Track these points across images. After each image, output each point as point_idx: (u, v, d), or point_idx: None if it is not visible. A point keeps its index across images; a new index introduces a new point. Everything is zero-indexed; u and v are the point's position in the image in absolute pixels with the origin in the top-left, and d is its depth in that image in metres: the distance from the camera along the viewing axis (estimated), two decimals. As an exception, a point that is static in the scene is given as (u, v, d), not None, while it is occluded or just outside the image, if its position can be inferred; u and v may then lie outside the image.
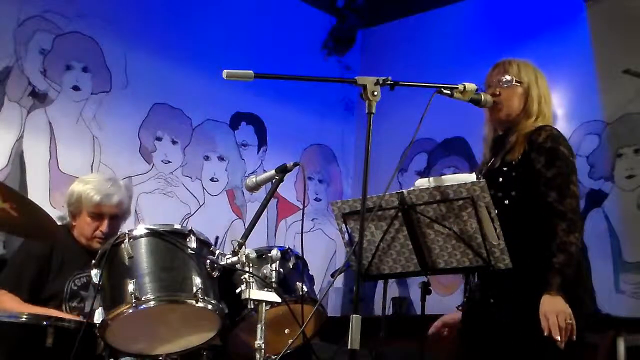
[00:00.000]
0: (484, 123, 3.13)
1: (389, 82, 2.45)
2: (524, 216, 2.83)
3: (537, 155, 2.85)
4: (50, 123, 4.86)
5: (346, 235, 2.73)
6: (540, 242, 2.76)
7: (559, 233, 2.72)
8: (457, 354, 3.08)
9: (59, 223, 3.64)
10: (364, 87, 2.41)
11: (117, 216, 3.67)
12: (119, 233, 3.00)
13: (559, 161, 2.83)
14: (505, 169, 2.88)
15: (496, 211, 2.61)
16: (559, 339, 2.63)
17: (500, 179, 2.87)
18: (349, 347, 2.20)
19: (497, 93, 2.98)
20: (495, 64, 3.07)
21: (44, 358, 2.94)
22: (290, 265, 3.10)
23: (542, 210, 2.79)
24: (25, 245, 3.66)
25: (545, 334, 2.65)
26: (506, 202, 2.84)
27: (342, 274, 5.42)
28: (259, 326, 2.77)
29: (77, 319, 3.20)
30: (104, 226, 3.60)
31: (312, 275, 3.30)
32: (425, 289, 3.01)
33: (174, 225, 2.91)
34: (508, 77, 3.00)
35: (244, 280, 2.79)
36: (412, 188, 2.60)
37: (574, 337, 2.67)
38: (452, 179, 2.59)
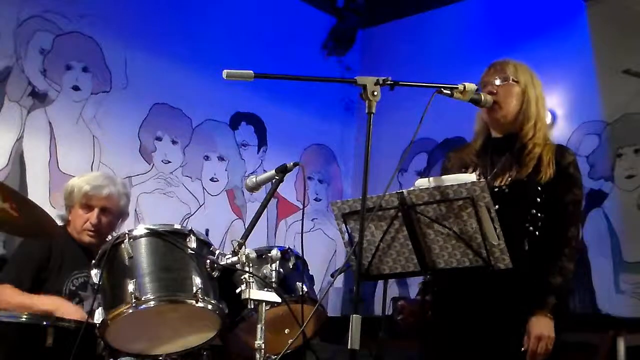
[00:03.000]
0: (476, 119, 3.13)
1: (389, 82, 2.45)
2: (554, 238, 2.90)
3: (559, 179, 2.91)
4: (50, 123, 4.86)
5: (346, 235, 2.73)
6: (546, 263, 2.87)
7: (562, 258, 2.84)
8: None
9: (59, 223, 3.64)
10: (364, 87, 2.40)
11: (107, 209, 3.65)
12: (119, 233, 3.00)
13: (576, 189, 2.94)
14: (539, 188, 2.90)
15: (537, 233, 2.86)
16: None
17: (538, 199, 2.90)
18: (349, 347, 2.20)
19: (494, 92, 2.98)
20: (492, 64, 3.07)
21: (44, 358, 2.94)
22: (290, 265, 3.09)
23: (551, 232, 2.88)
24: (25, 243, 3.67)
25: (523, 348, 2.77)
26: (540, 223, 2.89)
27: (342, 274, 5.42)
28: (259, 326, 2.76)
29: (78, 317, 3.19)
30: (93, 217, 3.60)
31: (312, 275, 3.30)
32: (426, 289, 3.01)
33: (174, 225, 2.91)
34: (505, 76, 3.00)
35: (244, 280, 2.78)
36: (412, 188, 2.60)
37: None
38: (452, 179, 2.58)
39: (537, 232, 2.88)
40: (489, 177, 2.96)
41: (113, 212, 3.68)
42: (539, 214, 2.89)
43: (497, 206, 2.60)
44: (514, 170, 2.95)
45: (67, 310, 3.28)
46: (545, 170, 2.91)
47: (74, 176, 4.51)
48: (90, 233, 3.59)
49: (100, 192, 3.62)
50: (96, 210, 3.62)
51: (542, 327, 2.77)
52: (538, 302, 2.80)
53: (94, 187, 3.61)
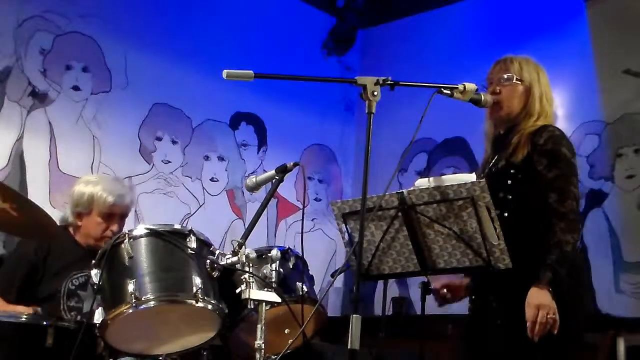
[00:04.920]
0: (485, 119, 3.12)
1: (389, 82, 2.45)
2: (530, 219, 2.83)
3: (538, 157, 2.84)
4: (50, 123, 4.86)
5: (346, 235, 2.73)
6: (541, 244, 2.77)
7: (557, 232, 2.73)
8: (460, 354, 3.08)
9: (58, 223, 3.65)
10: (364, 87, 2.40)
11: (125, 215, 3.73)
12: (119, 233, 3.01)
13: (560, 163, 2.83)
14: (512, 171, 2.87)
15: (506, 214, 2.75)
16: (534, 333, 2.65)
17: (509, 182, 2.86)
18: (349, 347, 2.20)
19: (498, 91, 2.98)
20: (497, 61, 3.06)
21: (44, 358, 2.94)
22: (290, 265, 3.10)
23: (543, 211, 2.79)
24: (18, 247, 3.69)
25: (527, 325, 2.66)
26: (513, 205, 2.84)
27: (342, 274, 5.42)
28: (259, 326, 2.76)
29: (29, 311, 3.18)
30: (116, 226, 3.63)
31: (312, 275, 3.30)
32: (425, 289, 3.01)
33: (174, 225, 2.91)
34: (509, 75, 2.99)
35: (244, 280, 2.79)
36: (412, 188, 2.60)
37: (555, 331, 2.67)
38: (452, 179, 2.58)
39: (505, 214, 2.80)
40: (481, 173, 2.96)
41: (127, 216, 3.76)
42: (508, 196, 2.84)
43: None
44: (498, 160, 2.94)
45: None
46: (519, 151, 2.87)
47: (74, 176, 4.55)
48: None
49: (124, 202, 3.68)
50: (117, 219, 3.66)
51: (540, 297, 2.65)
52: (535, 278, 2.69)
53: (118, 197, 3.65)
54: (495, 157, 2.99)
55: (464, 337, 3.06)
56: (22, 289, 3.51)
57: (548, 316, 2.65)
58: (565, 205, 2.77)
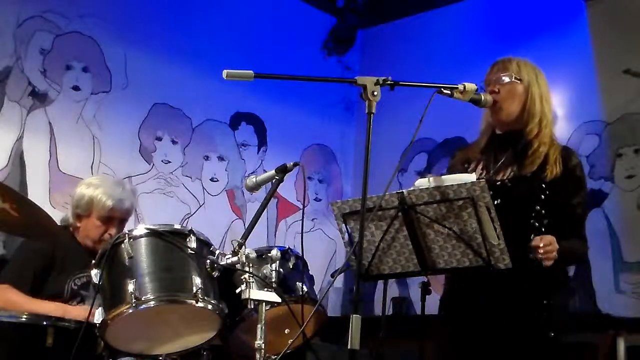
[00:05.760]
0: (482, 119, 3.12)
1: (389, 82, 2.45)
2: (559, 235, 2.86)
3: (567, 180, 2.92)
4: (50, 123, 4.86)
5: (346, 235, 2.73)
6: None
7: (577, 242, 2.92)
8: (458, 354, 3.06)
9: (60, 223, 3.65)
10: (364, 87, 2.40)
11: (125, 220, 3.71)
12: (119, 233, 3.01)
13: (583, 191, 2.99)
14: (543, 185, 2.90)
15: (543, 229, 2.83)
16: (541, 253, 2.70)
17: (543, 197, 2.89)
18: (349, 347, 2.20)
19: (497, 90, 2.97)
20: (494, 62, 3.06)
21: (44, 358, 2.94)
22: (290, 265, 3.09)
23: (565, 231, 2.87)
24: (27, 244, 3.67)
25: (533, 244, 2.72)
26: (546, 221, 2.88)
27: (342, 274, 5.43)
28: (259, 326, 2.76)
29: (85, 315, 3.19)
30: (114, 230, 3.63)
31: (312, 275, 3.30)
32: (425, 289, 3.01)
33: (174, 225, 2.91)
34: (507, 75, 2.98)
35: (244, 280, 2.79)
36: (412, 188, 2.60)
37: (549, 263, 2.71)
38: (452, 179, 2.58)
39: (542, 229, 2.85)
40: (491, 172, 2.96)
41: (127, 220, 3.76)
42: (543, 211, 2.88)
43: (499, 200, 2.68)
44: (516, 166, 2.94)
45: (73, 312, 3.28)
46: (551, 169, 2.90)
47: (74, 176, 4.56)
48: None
49: (123, 206, 3.68)
50: (116, 223, 3.66)
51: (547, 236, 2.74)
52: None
53: (118, 202, 3.65)
54: (502, 159, 2.98)
55: (474, 339, 3.02)
56: (35, 285, 3.50)
57: (553, 250, 2.71)
58: (583, 230, 2.98)
